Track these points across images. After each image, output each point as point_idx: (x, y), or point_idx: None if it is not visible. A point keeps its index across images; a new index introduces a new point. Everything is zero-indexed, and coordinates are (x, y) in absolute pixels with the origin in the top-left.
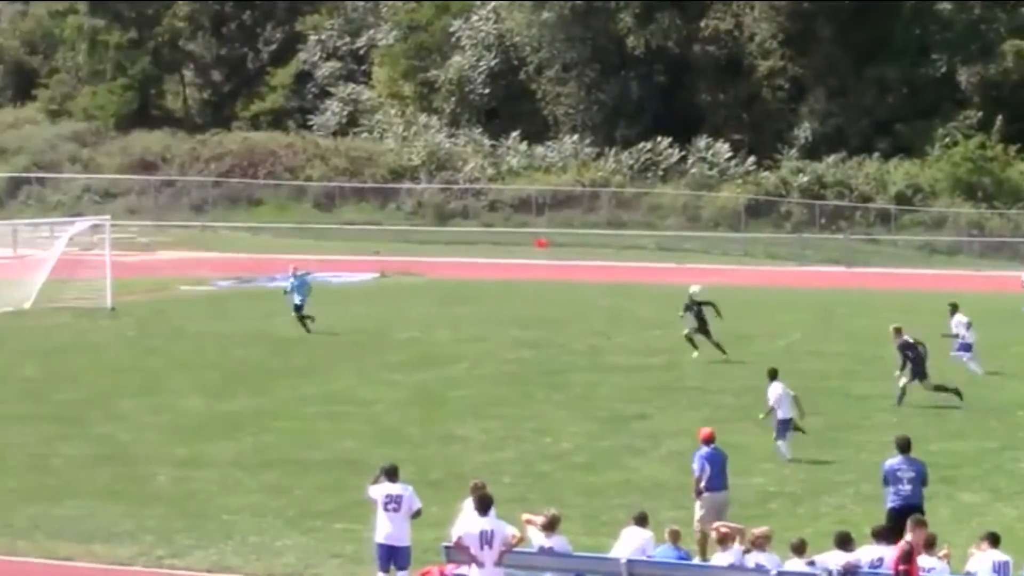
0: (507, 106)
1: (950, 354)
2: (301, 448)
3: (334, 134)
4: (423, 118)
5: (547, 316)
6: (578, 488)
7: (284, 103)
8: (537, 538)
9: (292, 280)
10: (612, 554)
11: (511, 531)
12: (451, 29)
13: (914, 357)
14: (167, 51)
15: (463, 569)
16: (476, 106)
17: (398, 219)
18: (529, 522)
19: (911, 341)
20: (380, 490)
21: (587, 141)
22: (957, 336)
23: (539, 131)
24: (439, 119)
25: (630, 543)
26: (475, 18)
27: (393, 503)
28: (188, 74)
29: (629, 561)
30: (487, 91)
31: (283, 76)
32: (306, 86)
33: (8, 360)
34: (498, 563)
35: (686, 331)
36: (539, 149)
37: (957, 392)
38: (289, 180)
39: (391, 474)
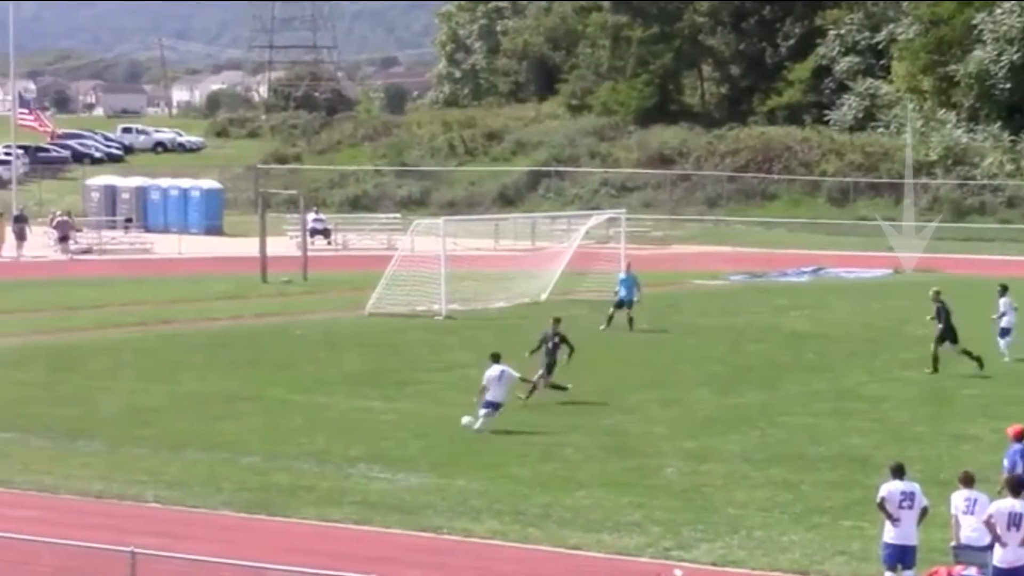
0: None
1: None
2: (808, 444)
3: (850, 129)
4: (941, 113)
5: None
6: None
7: (801, 98)
8: None
9: (623, 276)
10: None
11: None
12: (973, 22)
13: None
14: (687, 46)
15: (971, 571)
16: (997, 101)
17: (913, 215)
18: None
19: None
20: (892, 487)
21: None
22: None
23: None
24: (957, 114)
25: None
26: (999, 11)
27: (907, 500)
28: (707, 69)
29: None
30: (1008, 86)
31: (801, 71)
32: (824, 81)
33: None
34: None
35: None
36: None
37: None
38: (804, 175)
39: (898, 472)
